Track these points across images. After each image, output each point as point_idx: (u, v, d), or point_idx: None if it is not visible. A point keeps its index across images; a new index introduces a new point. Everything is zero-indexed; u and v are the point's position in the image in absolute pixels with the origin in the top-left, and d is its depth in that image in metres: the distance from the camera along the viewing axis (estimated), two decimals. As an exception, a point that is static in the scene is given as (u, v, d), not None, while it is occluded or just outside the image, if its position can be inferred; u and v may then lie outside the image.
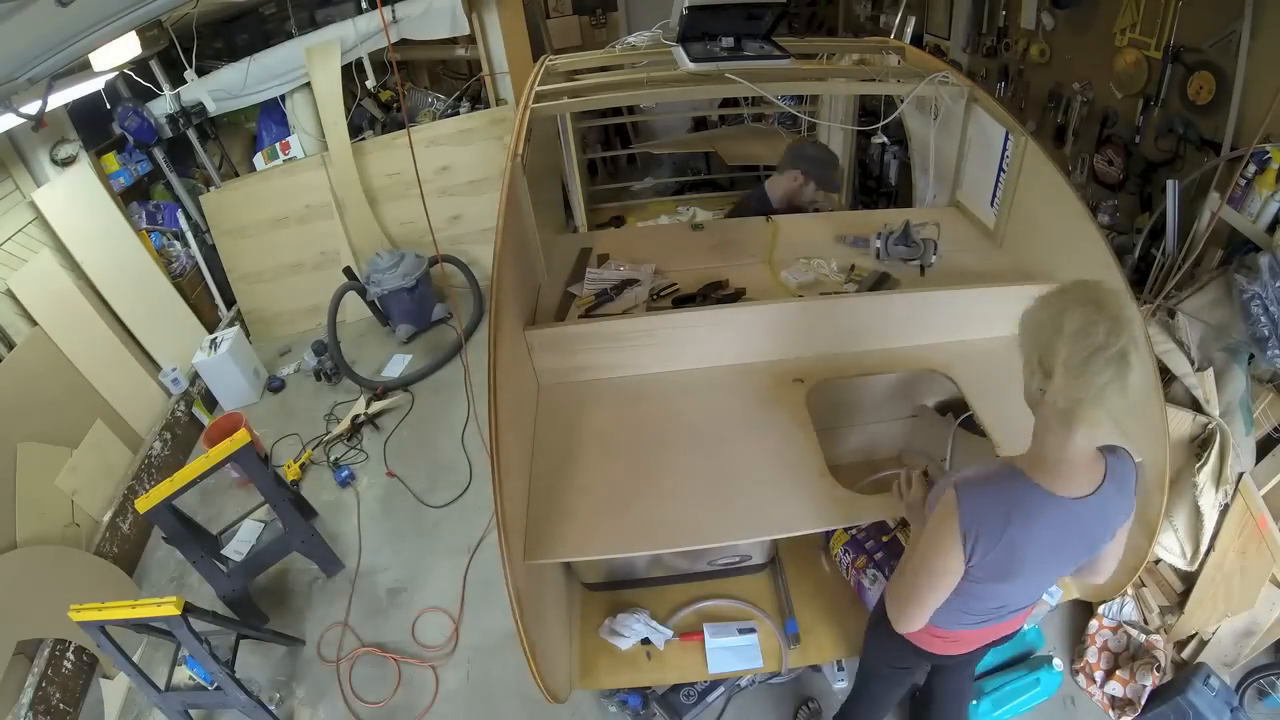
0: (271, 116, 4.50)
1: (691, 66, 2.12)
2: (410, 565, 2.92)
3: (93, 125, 3.79)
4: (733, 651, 2.01)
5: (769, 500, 1.69)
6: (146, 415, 3.67)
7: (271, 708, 2.33)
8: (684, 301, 2.18)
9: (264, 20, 4.34)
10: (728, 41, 2.15)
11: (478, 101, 4.62)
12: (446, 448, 3.50)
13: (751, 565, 2.15)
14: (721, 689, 2.24)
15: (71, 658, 2.64)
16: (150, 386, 3.75)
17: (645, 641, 2.04)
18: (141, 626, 2.21)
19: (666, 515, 1.66)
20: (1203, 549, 2.14)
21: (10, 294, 3.22)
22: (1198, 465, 2.08)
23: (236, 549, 2.75)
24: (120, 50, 3.14)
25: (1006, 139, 2.26)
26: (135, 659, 2.22)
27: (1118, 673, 2.19)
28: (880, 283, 2.20)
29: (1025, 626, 2.14)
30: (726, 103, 4.88)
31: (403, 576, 2.88)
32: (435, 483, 3.31)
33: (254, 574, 2.72)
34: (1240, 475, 2.10)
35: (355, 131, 4.41)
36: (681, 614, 2.12)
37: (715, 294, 2.17)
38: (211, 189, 4.39)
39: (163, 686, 2.24)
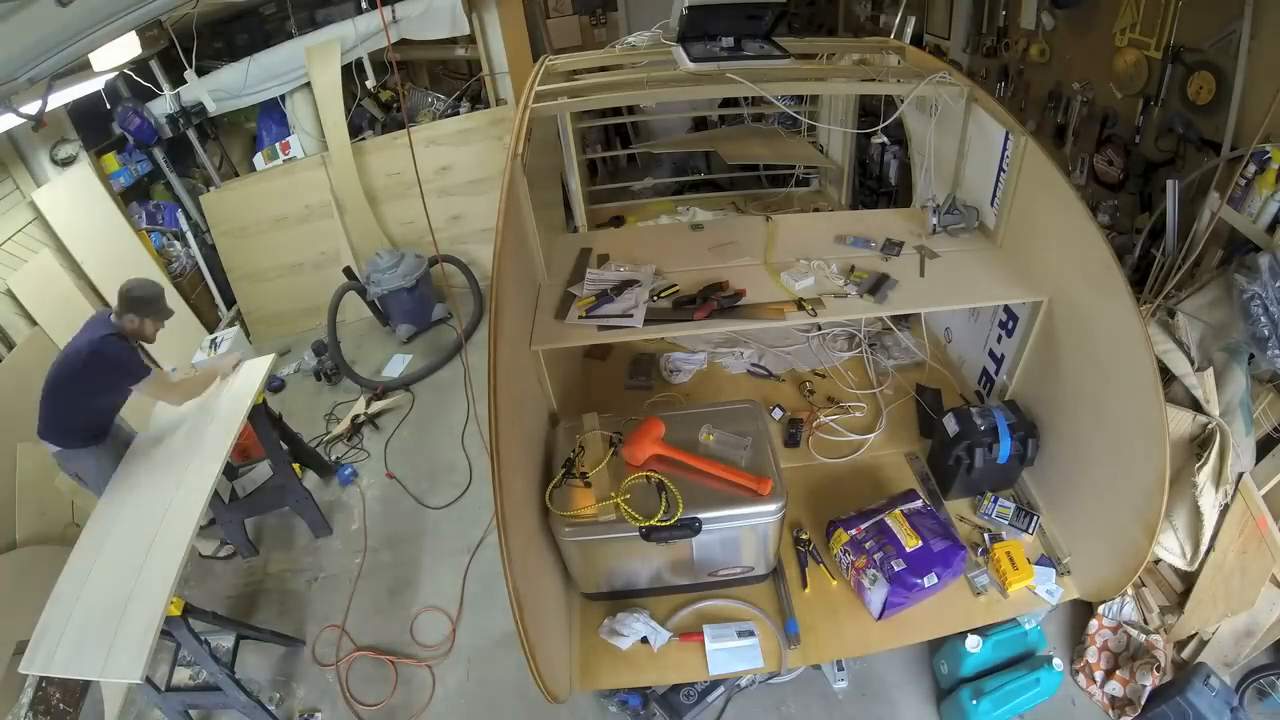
0: (271, 116, 4.50)
1: (691, 66, 2.12)
2: (410, 565, 2.91)
3: (93, 125, 3.80)
4: (733, 652, 2.01)
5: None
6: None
7: (271, 708, 2.33)
8: (684, 303, 2.18)
9: (264, 20, 4.34)
10: (728, 41, 2.15)
11: (478, 101, 4.62)
12: (446, 448, 3.49)
13: (754, 576, 2.14)
14: (721, 689, 2.24)
15: (71, 658, 2.64)
16: (150, 386, 3.75)
17: (644, 641, 2.04)
18: (141, 627, 2.20)
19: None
20: (1203, 549, 2.13)
21: (10, 294, 3.22)
22: (1198, 465, 2.08)
23: (243, 486, 3.13)
24: (120, 50, 3.14)
25: (1006, 139, 2.26)
26: (135, 659, 2.22)
27: (1118, 672, 2.19)
28: (879, 284, 2.20)
29: (1026, 626, 2.15)
30: (726, 103, 4.87)
31: (403, 576, 2.88)
32: (436, 483, 3.31)
33: (250, 513, 3.03)
34: (1240, 475, 2.10)
35: (355, 131, 4.41)
36: (681, 614, 2.12)
37: (715, 296, 2.16)
38: (211, 189, 4.39)
39: (163, 687, 2.24)
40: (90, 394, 2.45)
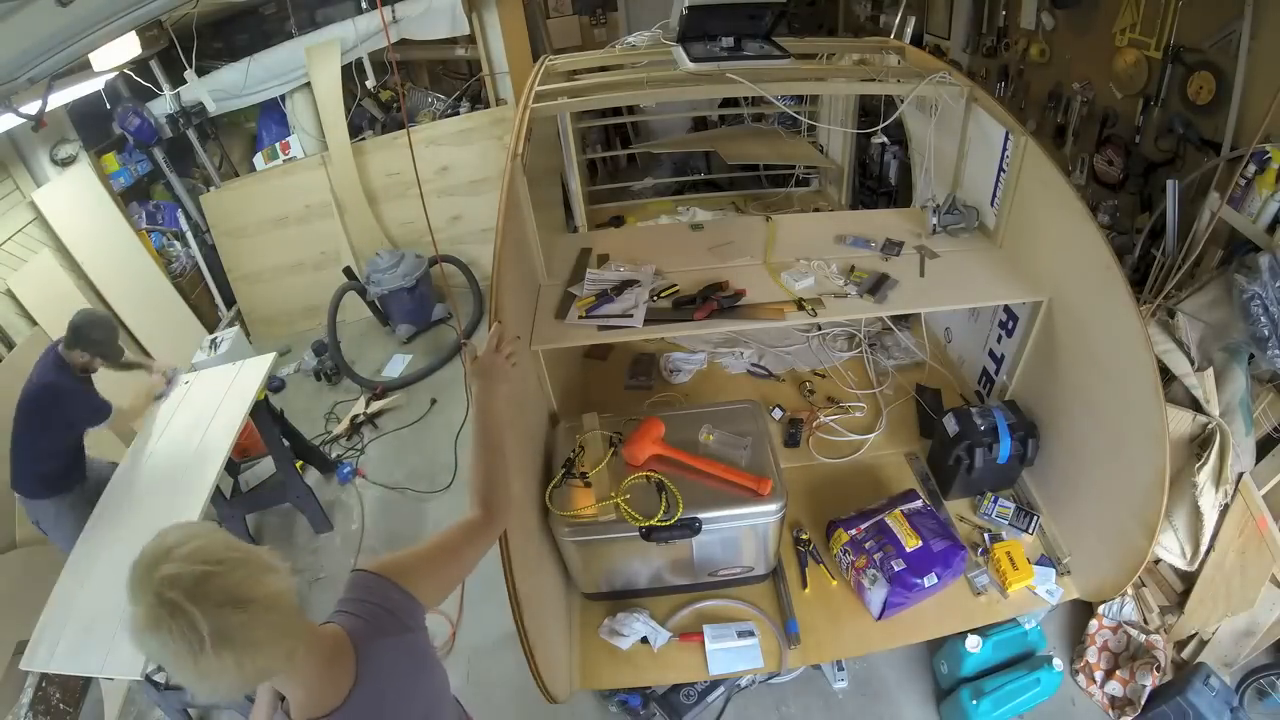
0: (271, 116, 4.50)
1: (691, 66, 2.12)
2: (410, 565, 2.92)
3: (93, 125, 3.80)
4: (733, 652, 2.01)
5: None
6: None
7: (271, 708, 2.33)
8: (684, 303, 2.18)
9: (264, 20, 4.34)
10: (728, 41, 2.15)
11: (478, 101, 4.62)
12: (446, 447, 3.50)
13: (754, 576, 2.14)
14: (721, 689, 2.24)
15: (71, 658, 2.64)
16: (150, 386, 3.75)
17: (644, 641, 2.04)
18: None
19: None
20: (1203, 549, 2.13)
21: (10, 294, 3.22)
22: (1198, 465, 2.08)
23: (247, 481, 3.19)
24: (120, 50, 3.15)
25: (1006, 139, 2.26)
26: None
27: (1118, 672, 2.19)
28: (879, 284, 2.20)
29: (1026, 626, 2.14)
30: (726, 103, 4.87)
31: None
32: (435, 482, 3.31)
33: (252, 508, 3.07)
34: (1240, 475, 2.10)
35: (355, 131, 4.41)
36: (681, 614, 2.12)
37: (715, 296, 2.16)
38: (211, 189, 4.39)
39: (163, 685, 2.23)
40: (44, 433, 2.37)
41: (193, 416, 2.71)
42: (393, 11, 4.13)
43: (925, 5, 4.35)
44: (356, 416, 3.68)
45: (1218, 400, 2.14)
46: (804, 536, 2.28)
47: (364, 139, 4.46)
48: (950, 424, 2.28)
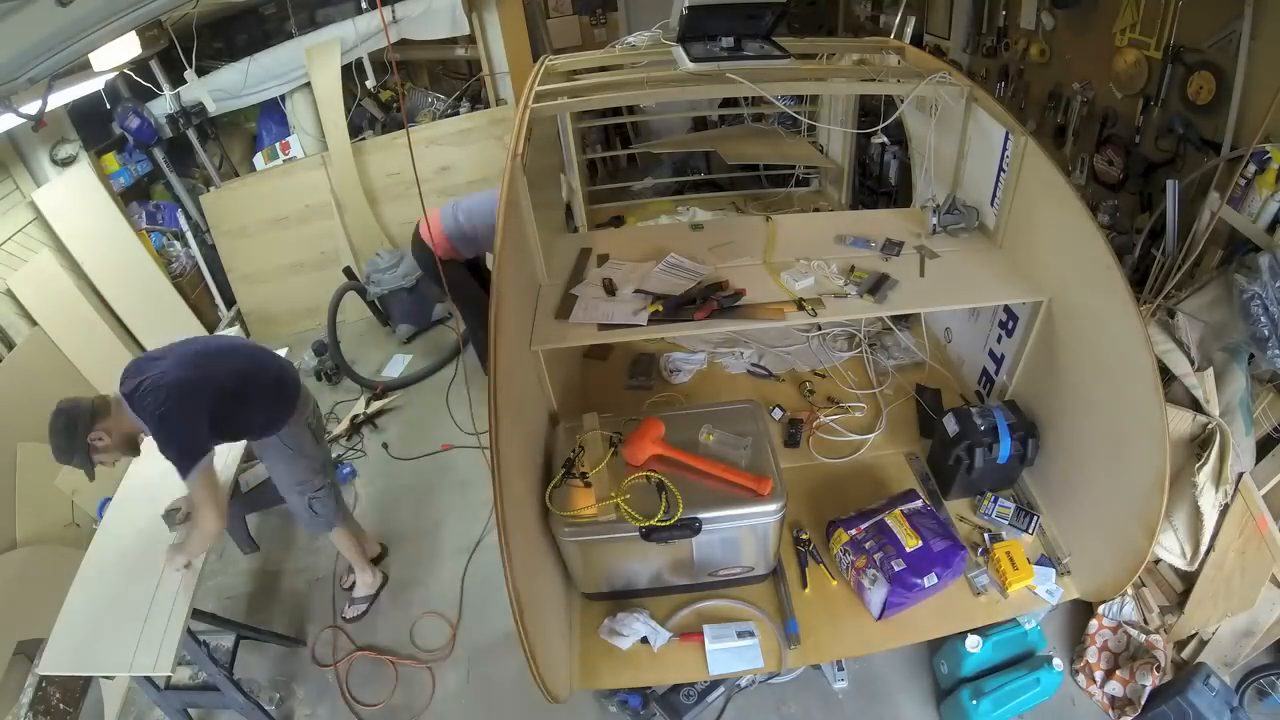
0: (271, 116, 4.50)
1: (691, 66, 2.12)
2: (409, 565, 2.91)
3: (93, 125, 3.79)
4: (733, 652, 2.01)
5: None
6: (146, 415, 3.66)
7: (270, 708, 2.33)
8: (684, 303, 2.18)
9: (264, 20, 4.34)
10: (728, 41, 2.15)
11: (478, 101, 4.62)
12: (446, 448, 3.50)
13: (754, 576, 2.14)
14: (721, 689, 2.24)
15: (71, 658, 2.64)
16: (150, 386, 3.75)
17: (644, 641, 2.04)
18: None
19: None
20: (1203, 549, 2.14)
21: (10, 294, 3.22)
22: (1198, 465, 2.08)
23: (247, 481, 3.08)
24: (120, 50, 3.14)
25: (1006, 139, 2.26)
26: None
27: (1118, 672, 2.19)
28: (879, 284, 2.20)
29: (1026, 626, 2.14)
30: (726, 103, 4.87)
31: (402, 576, 2.88)
32: (435, 482, 3.31)
33: (252, 508, 2.98)
34: (1240, 475, 2.10)
35: (355, 131, 4.41)
36: (681, 614, 2.12)
37: (715, 296, 2.16)
38: (211, 189, 4.38)
39: (162, 685, 2.24)
40: None
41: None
42: (393, 11, 4.13)
43: (925, 5, 4.35)
44: (356, 416, 3.68)
45: (1218, 400, 2.14)
46: (804, 536, 2.28)
47: (364, 139, 4.45)
48: (950, 424, 2.29)
